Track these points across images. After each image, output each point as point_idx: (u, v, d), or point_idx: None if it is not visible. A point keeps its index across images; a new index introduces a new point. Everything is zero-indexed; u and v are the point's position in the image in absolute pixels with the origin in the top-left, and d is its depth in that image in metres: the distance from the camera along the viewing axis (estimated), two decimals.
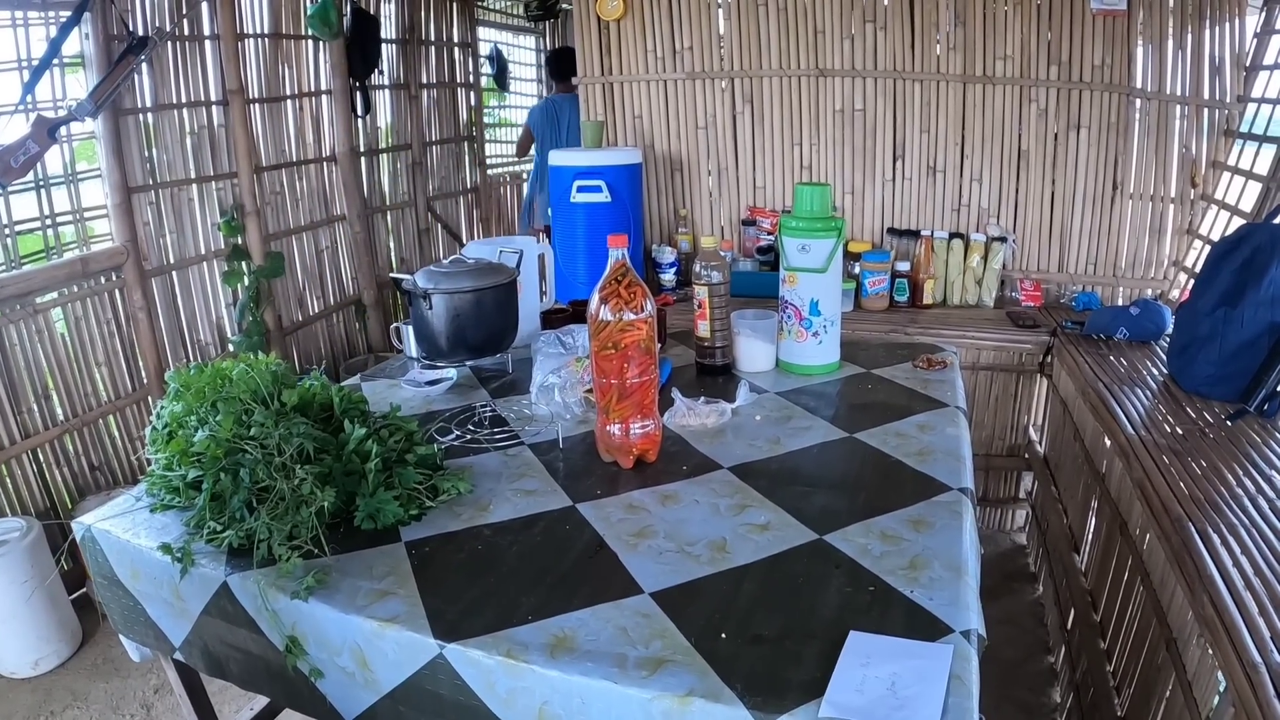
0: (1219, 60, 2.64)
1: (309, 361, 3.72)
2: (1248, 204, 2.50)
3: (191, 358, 3.14)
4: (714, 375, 1.75)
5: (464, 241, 4.87)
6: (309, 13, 3.39)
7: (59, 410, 2.65)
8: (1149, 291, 2.87)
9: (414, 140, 4.46)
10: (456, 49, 4.89)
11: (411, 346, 1.77)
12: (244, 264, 3.28)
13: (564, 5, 5.78)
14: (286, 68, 3.54)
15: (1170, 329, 2.34)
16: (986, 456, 2.87)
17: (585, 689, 0.85)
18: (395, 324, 1.83)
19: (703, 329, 1.73)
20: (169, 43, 2.91)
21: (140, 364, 2.92)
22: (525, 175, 5.62)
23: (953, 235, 2.95)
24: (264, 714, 1.66)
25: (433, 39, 4.61)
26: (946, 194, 3.01)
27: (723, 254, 1.72)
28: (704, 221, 3.29)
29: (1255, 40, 2.61)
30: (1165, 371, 2.13)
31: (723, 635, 0.90)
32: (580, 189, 2.83)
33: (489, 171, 5.35)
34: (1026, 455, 2.85)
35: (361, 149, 4.00)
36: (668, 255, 3.13)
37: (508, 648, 0.89)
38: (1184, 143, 2.76)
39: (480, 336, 1.67)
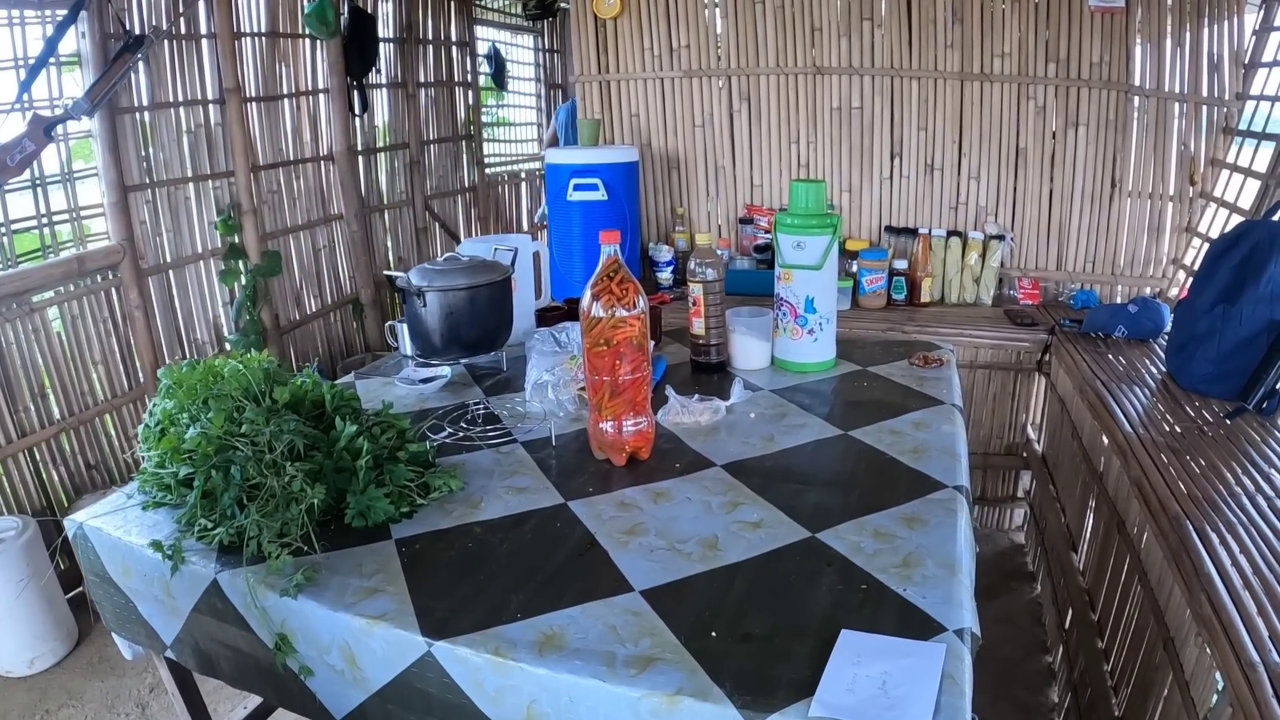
0: (1217, 57, 2.63)
1: (306, 360, 3.71)
2: (1246, 201, 2.49)
3: (188, 357, 3.13)
4: (709, 373, 1.75)
5: (461, 240, 4.86)
6: (306, 11, 3.38)
7: (55, 409, 2.65)
8: (1147, 289, 2.86)
9: (412, 139, 4.46)
10: (454, 48, 4.88)
11: (406, 344, 1.77)
12: (241, 263, 3.28)
13: (562, 4, 5.79)
14: (284, 66, 3.54)
15: (1169, 327, 2.33)
16: (984, 455, 2.87)
17: (573, 687, 0.84)
18: (390, 322, 1.84)
19: (697, 326, 1.72)
20: (165, 41, 2.91)
21: (137, 363, 2.92)
22: (525, 174, 5.63)
23: (950, 233, 2.94)
24: (257, 713, 1.66)
25: (430, 38, 4.61)
26: (944, 192, 3.00)
27: (719, 252, 1.72)
28: (701, 220, 3.28)
29: (1254, 37, 2.60)
30: (1163, 369, 2.13)
31: (713, 633, 0.89)
32: (577, 187, 2.82)
33: (487, 170, 5.35)
34: (1024, 454, 2.84)
35: (359, 148, 4.00)
36: (665, 254, 3.11)
37: (496, 645, 0.88)
38: (1182, 140, 2.75)
39: (474, 334, 1.67)
